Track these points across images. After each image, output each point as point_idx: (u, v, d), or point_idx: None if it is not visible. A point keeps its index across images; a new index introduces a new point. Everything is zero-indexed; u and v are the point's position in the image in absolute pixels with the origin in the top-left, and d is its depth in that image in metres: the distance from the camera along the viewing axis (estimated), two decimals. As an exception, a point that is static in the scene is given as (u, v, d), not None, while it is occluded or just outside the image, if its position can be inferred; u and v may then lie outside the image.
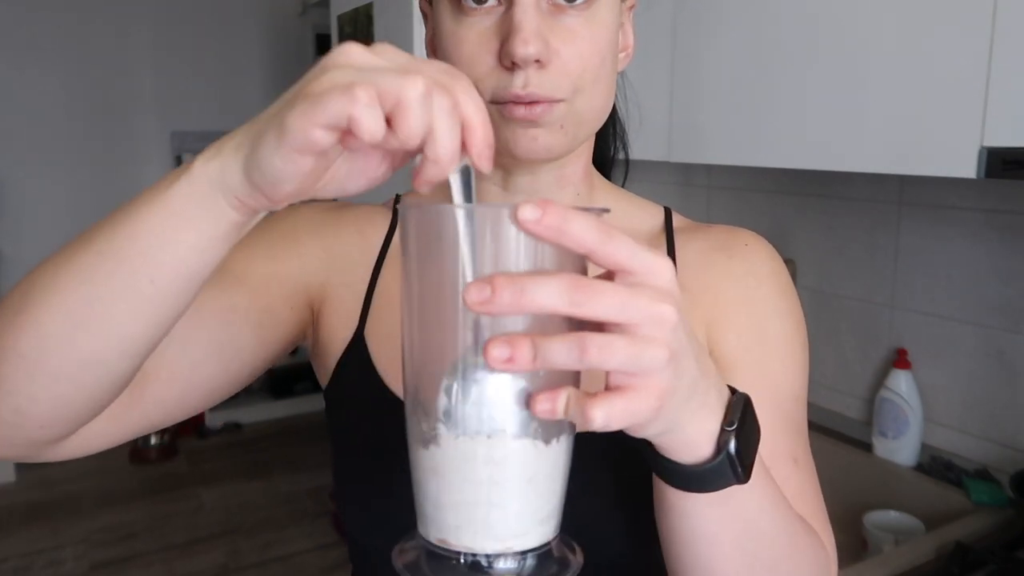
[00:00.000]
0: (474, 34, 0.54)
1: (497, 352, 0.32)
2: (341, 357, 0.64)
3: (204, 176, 0.40)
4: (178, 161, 4.05)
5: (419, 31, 1.82)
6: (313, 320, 0.66)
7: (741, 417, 0.42)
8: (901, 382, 1.40)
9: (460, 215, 0.35)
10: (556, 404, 0.34)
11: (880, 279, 1.50)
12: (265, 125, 0.37)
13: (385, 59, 0.37)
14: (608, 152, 0.77)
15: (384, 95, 0.34)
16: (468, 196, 0.38)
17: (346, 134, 0.35)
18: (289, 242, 0.64)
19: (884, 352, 1.50)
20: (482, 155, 0.37)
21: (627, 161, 0.79)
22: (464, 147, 0.37)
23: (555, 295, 0.32)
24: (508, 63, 0.53)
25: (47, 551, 2.93)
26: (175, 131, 4.09)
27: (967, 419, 1.38)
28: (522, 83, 0.53)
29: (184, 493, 3.38)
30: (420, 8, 0.63)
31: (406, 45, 1.84)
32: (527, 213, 0.32)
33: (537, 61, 0.53)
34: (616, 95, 0.65)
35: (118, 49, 3.92)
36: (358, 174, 0.41)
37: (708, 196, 1.90)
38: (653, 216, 0.70)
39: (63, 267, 0.42)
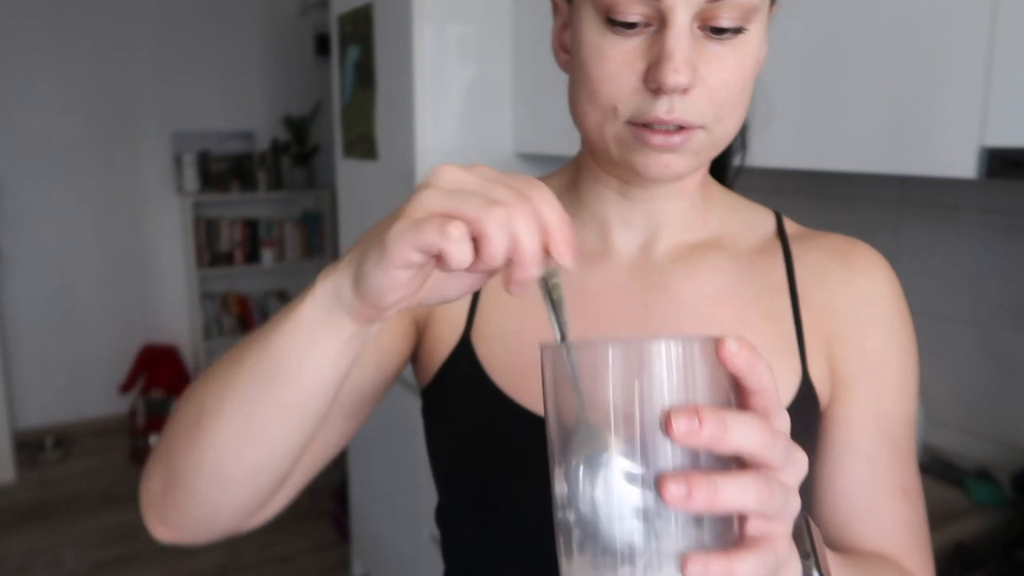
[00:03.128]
0: (619, 52, 0.52)
1: (675, 490, 0.32)
2: (447, 359, 0.63)
3: (324, 294, 0.45)
4: (178, 161, 4.05)
5: (419, 31, 1.82)
6: (419, 334, 0.65)
7: (811, 545, 0.44)
8: (901, 382, 1.40)
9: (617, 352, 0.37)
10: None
11: (880, 279, 1.51)
12: (370, 244, 0.42)
13: (476, 177, 0.40)
14: (728, 159, 0.77)
15: (471, 224, 0.38)
16: (553, 297, 0.41)
17: (438, 259, 0.40)
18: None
19: (884, 352, 1.50)
20: (563, 256, 0.40)
21: (741, 166, 0.79)
22: (547, 251, 0.39)
23: (753, 435, 0.34)
24: (654, 87, 0.51)
25: (47, 551, 2.93)
26: (175, 131, 4.10)
27: (967, 419, 1.38)
28: (667, 108, 0.52)
29: (184, 493, 3.38)
30: (552, 1, 0.61)
31: (406, 45, 1.84)
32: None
33: (684, 89, 0.51)
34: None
35: (118, 49, 3.93)
36: (456, 283, 0.46)
37: (708, 196, 1.90)
38: (765, 221, 0.70)
39: (226, 389, 0.48)
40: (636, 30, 0.52)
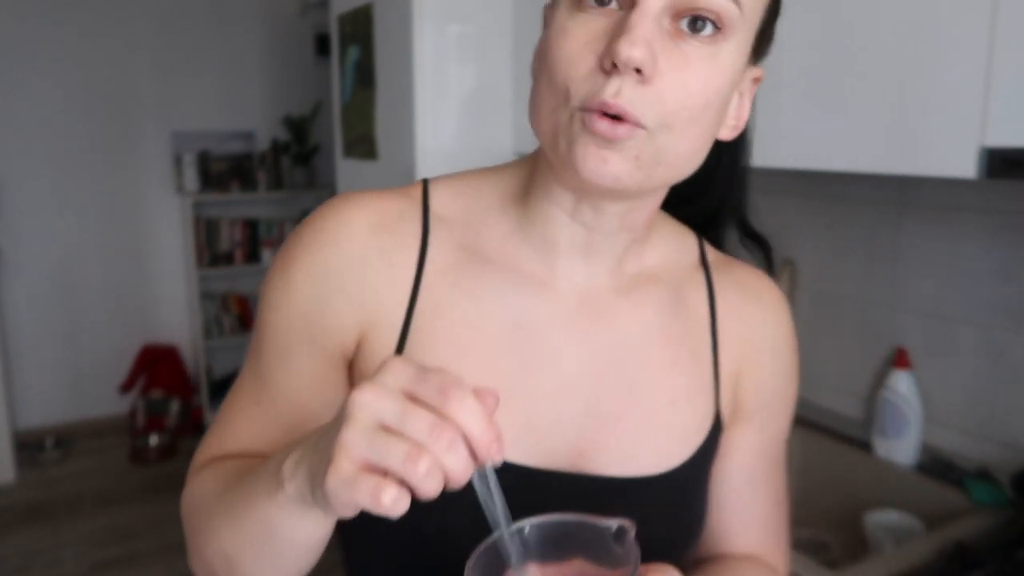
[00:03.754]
0: (584, 31, 0.50)
1: None
2: None
3: (290, 495, 0.47)
4: (178, 161, 4.05)
5: (419, 31, 1.82)
6: (349, 364, 0.62)
7: None
8: (901, 382, 1.40)
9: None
10: None
11: (880, 279, 1.50)
12: (320, 470, 0.43)
13: (396, 407, 0.41)
14: (721, 226, 0.75)
15: (402, 478, 0.40)
16: (490, 494, 0.43)
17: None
18: (323, 338, 0.60)
19: (884, 352, 1.50)
20: (492, 457, 0.41)
21: (720, 236, 0.75)
22: (474, 456, 0.41)
23: None
24: (608, 65, 0.49)
25: (47, 551, 2.93)
26: (175, 131, 4.09)
27: (967, 419, 1.38)
28: (615, 90, 0.49)
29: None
30: (544, 15, 0.58)
31: (406, 45, 1.84)
32: None
33: (638, 72, 0.48)
34: (745, 159, 0.67)
35: (118, 49, 3.92)
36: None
37: (708, 196, 1.89)
38: (690, 248, 0.70)
39: (240, 547, 0.53)
40: (606, 11, 0.50)
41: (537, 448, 0.58)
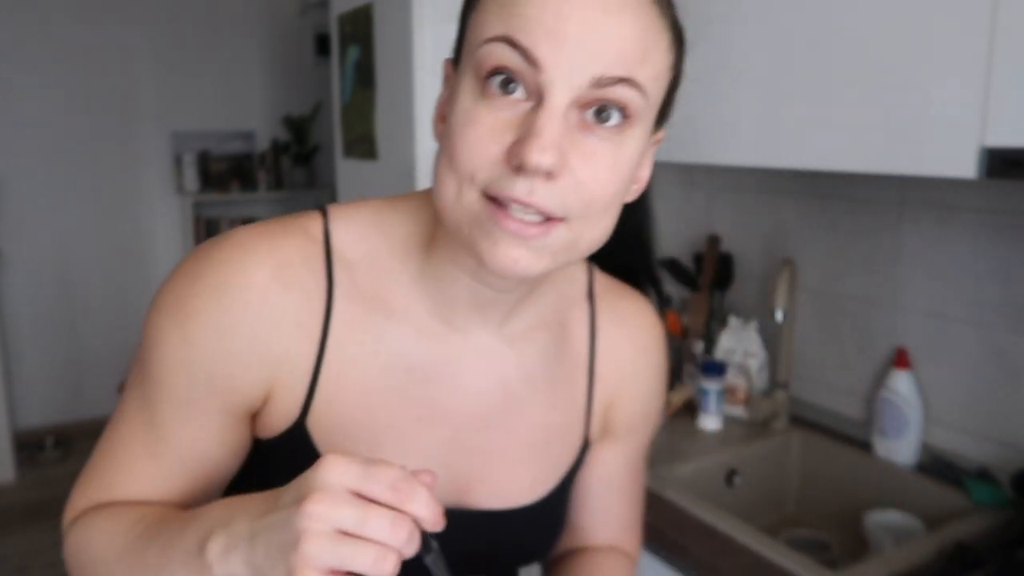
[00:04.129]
0: (490, 119, 0.49)
1: None
2: (276, 438, 0.60)
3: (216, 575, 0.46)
4: (178, 161, 4.05)
5: (419, 31, 1.82)
6: (254, 413, 0.61)
7: None
8: (901, 382, 1.40)
9: None
10: None
11: (880, 279, 1.50)
12: (268, 564, 0.43)
13: (352, 510, 0.42)
14: (638, 270, 0.77)
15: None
16: (440, 560, 0.46)
17: None
18: (231, 395, 0.58)
19: (884, 352, 1.50)
20: (435, 527, 0.44)
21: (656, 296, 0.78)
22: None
23: None
24: (516, 163, 0.48)
25: (47, 551, 2.92)
26: (175, 131, 4.10)
27: (967, 419, 1.38)
28: (527, 190, 0.48)
29: (184, 493, 3.37)
30: (444, 70, 0.58)
31: (406, 45, 1.84)
32: None
33: (548, 173, 0.48)
34: (651, 215, 0.71)
35: (118, 49, 3.93)
36: None
37: (708, 196, 1.90)
38: (578, 281, 0.71)
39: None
40: (512, 101, 0.49)
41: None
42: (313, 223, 0.61)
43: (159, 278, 4.16)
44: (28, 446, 3.73)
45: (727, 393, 1.59)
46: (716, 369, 1.54)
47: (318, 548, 0.41)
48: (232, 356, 0.56)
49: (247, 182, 4.20)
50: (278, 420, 0.59)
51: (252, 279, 0.56)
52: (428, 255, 0.60)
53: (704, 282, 1.76)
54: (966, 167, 0.98)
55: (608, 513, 0.76)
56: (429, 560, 0.45)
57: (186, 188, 4.03)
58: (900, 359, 1.42)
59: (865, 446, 1.47)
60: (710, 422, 1.55)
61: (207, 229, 4.07)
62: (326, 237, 0.60)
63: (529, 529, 0.60)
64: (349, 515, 0.42)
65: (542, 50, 0.48)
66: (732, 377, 1.60)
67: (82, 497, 0.60)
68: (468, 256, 0.54)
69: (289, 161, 4.22)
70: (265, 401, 0.59)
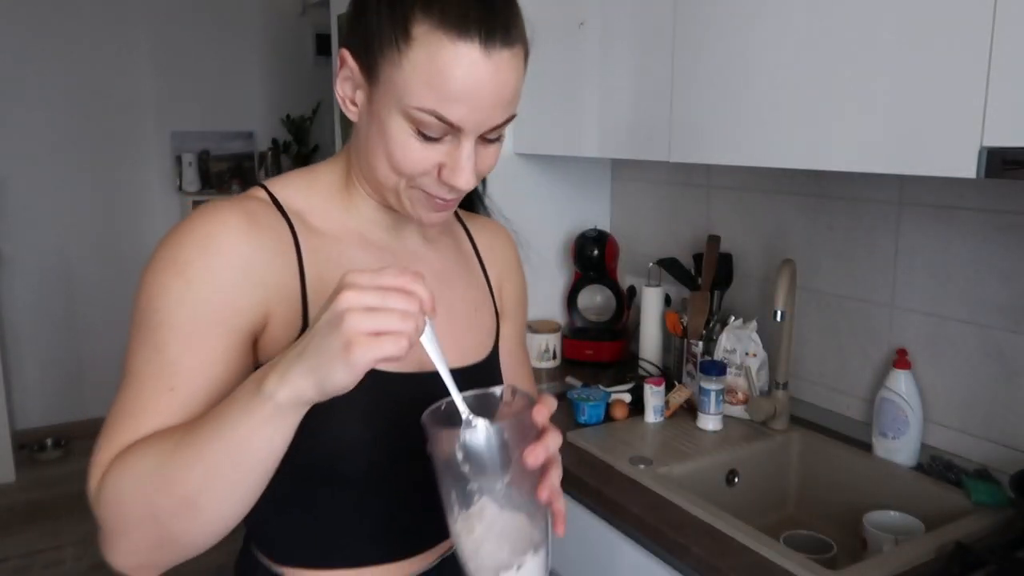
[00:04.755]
0: (423, 150, 0.71)
1: (535, 457, 0.63)
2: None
3: (287, 402, 0.59)
4: (178, 161, 4.05)
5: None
6: (255, 341, 0.74)
7: None
8: (901, 382, 1.40)
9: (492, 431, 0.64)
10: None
11: (880, 279, 1.50)
12: (324, 357, 0.57)
13: (377, 295, 0.57)
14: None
15: (397, 336, 0.57)
16: (437, 350, 0.64)
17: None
18: (236, 319, 0.71)
19: (884, 352, 1.50)
20: (431, 305, 0.60)
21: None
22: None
23: (555, 445, 0.66)
24: (447, 184, 0.72)
25: (47, 551, 2.93)
26: (175, 131, 4.10)
27: (967, 419, 1.38)
28: (455, 195, 0.75)
29: (184, 493, 3.37)
30: (340, 55, 0.73)
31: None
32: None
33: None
34: None
35: (118, 49, 3.93)
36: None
37: (708, 196, 1.90)
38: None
39: (212, 480, 0.62)
40: (438, 142, 0.70)
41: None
42: (257, 192, 0.78)
43: (159, 278, 4.16)
44: (28, 446, 3.73)
45: (727, 393, 1.59)
46: (716, 369, 1.54)
47: (359, 320, 0.55)
48: (229, 286, 0.69)
49: (247, 182, 4.19)
50: (282, 336, 0.73)
51: (229, 224, 0.70)
52: (348, 196, 0.81)
53: (704, 282, 1.76)
54: (966, 167, 0.98)
55: (516, 376, 0.98)
56: (431, 351, 0.63)
57: (186, 188, 4.03)
58: (900, 359, 1.42)
59: (865, 446, 1.47)
60: (710, 422, 1.55)
61: (207, 229, 4.06)
62: (272, 198, 0.77)
63: (480, 384, 0.72)
64: (373, 296, 0.56)
65: (461, 119, 0.69)
66: (732, 377, 1.60)
67: (108, 449, 0.67)
68: (399, 208, 0.77)
69: (289, 161, 4.22)
70: (265, 325, 0.72)
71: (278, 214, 0.75)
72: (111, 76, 3.93)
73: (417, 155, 0.70)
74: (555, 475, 0.65)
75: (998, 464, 1.32)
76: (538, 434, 0.64)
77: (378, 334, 0.55)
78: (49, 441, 3.77)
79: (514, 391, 0.69)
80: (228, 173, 4.19)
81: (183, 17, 4.05)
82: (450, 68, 0.66)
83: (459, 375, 0.66)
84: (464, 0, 0.66)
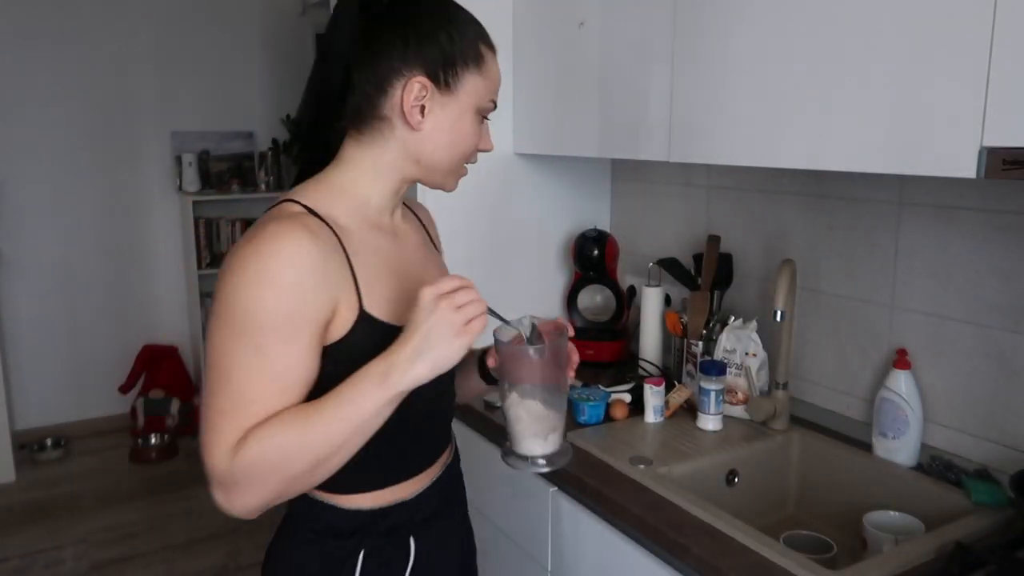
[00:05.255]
0: (477, 132, 1.01)
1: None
2: (355, 324, 0.91)
3: (403, 389, 0.85)
4: (178, 161, 4.05)
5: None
6: (326, 330, 0.91)
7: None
8: (901, 382, 1.40)
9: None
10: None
11: (880, 279, 1.50)
12: (443, 349, 0.84)
13: (453, 308, 0.85)
14: None
15: (479, 324, 0.87)
16: (495, 313, 0.93)
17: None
18: (318, 316, 0.89)
19: (884, 352, 1.50)
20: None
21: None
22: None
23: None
24: (480, 151, 1.03)
25: (47, 551, 2.93)
26: (175, 131, 4.10)
27: (967, 419, 1.38)
28: (476, 160, 1.04)
29: (184, 493, 3.38)
30: (411, 83, 0.94)
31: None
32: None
33: None
34: None
35: (118, 49, 3.93)
36: None
37: (708, 196, 1.90)
38: None
39: (338, 446, 0.86)
40: (481, 124, 1.01)
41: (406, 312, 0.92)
42: (292, 206, 0.94)
43: (159, 278, 4.17)
44: (28, 446, 3.74)
45: (727, 393, 1.59)
46: (716, 369, 1.54)
47: (458, 316, 0.84)
48: (310, 290, 0.86)
49: (247, 182, 4.20)
50: (346, 319, 0.90)
51: (302, 239, 0.86)
52: (356, 193, 0.99)
53: (704, 282, 1.76)
54: (966, 167, 0.98)
55: None
56: (492, 312, 0.90)
57: (186, 188, 4.03)
58: (900, 359, 1.42)
59: (865, 446, 1.47)
60: (710, 422, 1.55)
61: (207, 229, 4.07)
62: (311, 212, 0.93)
63: None
64: (463, 297, 0.85)
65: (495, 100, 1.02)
66: (732, 377, 1.60)
67: (231, 432, 0.84)
68: (443, 184, 1.04)
69: (289, 161, 4.22)
70: (333, 314, 0.89)
71: (319, 221, 0.91)
72: (111, 76, 3.93)
73: (474, 137, 1.00)
74: (575, 362, 1.04)
75: (998, 464, 1.32)
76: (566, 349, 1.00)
77: (469, 321, 0.84)
78: (49, 441, 3.77)
79: (536, 318, 0.98)
80: (228, 173, 4.19)
81: (183, 17, 4.05)
82: (497, 72, 1.01)
83: None
84: (486, 30, 1.01)
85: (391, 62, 0.93)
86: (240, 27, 4.19)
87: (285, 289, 0.84)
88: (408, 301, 0.91)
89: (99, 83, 3.90)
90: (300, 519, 1.02)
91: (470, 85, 0.97)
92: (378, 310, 0.93)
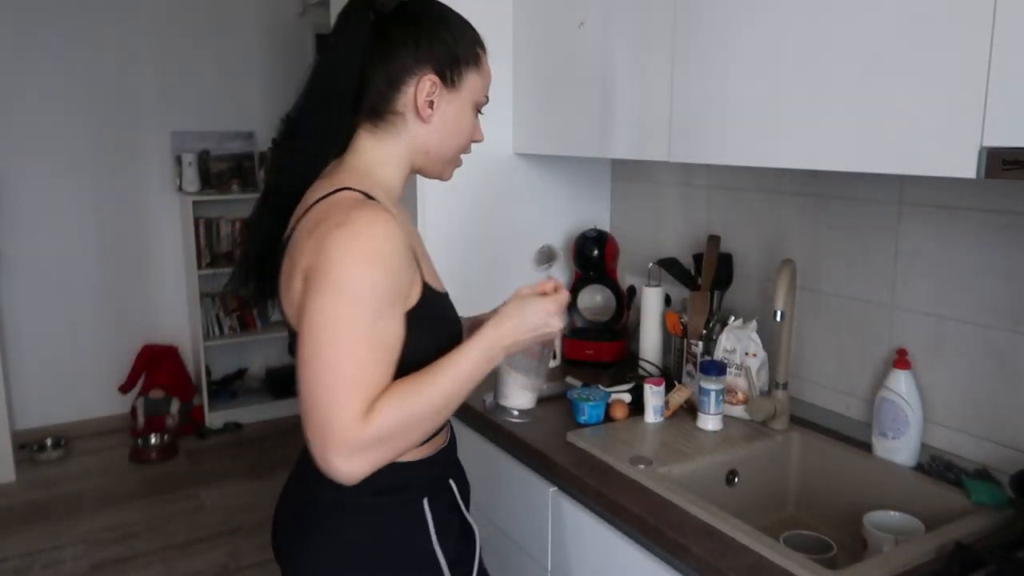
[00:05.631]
0: (475, 125, 1.14)
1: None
2: (423, 294, 1.03)
3: (499, 361, 1.08)
4: (178, 161, 4.05)
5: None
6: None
7: None
8: (901, 382, 1.40)
9: None
10: None
11: (880, 279, 1.50)
12: (540, 332, 1.08)
13: (545, 316, 1.08)
14: None
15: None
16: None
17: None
18: (406, 291, 1.01)
19: (884, 352, 1.50)
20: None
21: None
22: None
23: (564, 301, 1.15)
24: (472, 142, 1.16)
25: (47, 551, 2.93)
26: (175, 131, 4.10)
27: (967, 419, 1.38)
28: (471, 150, 1.17)
29: (184, 493, 3.38)
30: (423, 81, 1.05)
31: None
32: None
33: None
34: None
35: (119, 49, 3.93)
36: None
37: (708, 196, 1.90)
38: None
39: (449, 400, 1.01)
40: (475, 118, 1.14)
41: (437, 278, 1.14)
42: (356, 195, 1.02)
43: (159, 278, 4.17)
44: (28, 446, 3.74)
45: (727, 393, 1.59)
46: (716, 369, 1.54)
47: (557, 319, 1.08)
48: (405, 267, 0.98)
49: (247, 182, 4.19)
50: (416, 292, 1.02)
51: (391, 222, 0.97)
52: (384, 187, 1.08)
53: (704, 282, 1.76)
54: (966, 167, 0.98)
55: None
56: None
57: (186, 188, 4.03)
58: (900, 359, 1.42)
59: (865, 446, 1.47)
60: (710, 422, 1.55)
61: (207, 229, 4.07)
62: (367, 196, 1.03)
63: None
64: (557, 304, 1.09)
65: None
66: (732, 377, 1.60)
67: (357, 401, 0.92)
68: (441, 175, 1.17)
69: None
70: (410, 287, 1.01)
71: (384, 210, 0.99)
72: (111, 76, 3.93)
73: (472, 129, 1.13)
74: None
75: (998, 464, 1.32)
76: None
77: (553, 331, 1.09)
78: (49, 441, 3.77)
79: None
80: (228, 173, 4.19)
81: (183, 17, 4.05)
82: (489, 70, 1.14)
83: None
84: (478, 32, 1.12)
85: (404, 61, 1.04)
86: (240, 27, 4.19)
87: (391, 266, 0.95)
88: (432, 272, 1.10)
89: (99, 83, 3.90)
90: (346, 492, 1.02)
91: (470, 82, 1.10)
92: (430, 280, 1.07)
